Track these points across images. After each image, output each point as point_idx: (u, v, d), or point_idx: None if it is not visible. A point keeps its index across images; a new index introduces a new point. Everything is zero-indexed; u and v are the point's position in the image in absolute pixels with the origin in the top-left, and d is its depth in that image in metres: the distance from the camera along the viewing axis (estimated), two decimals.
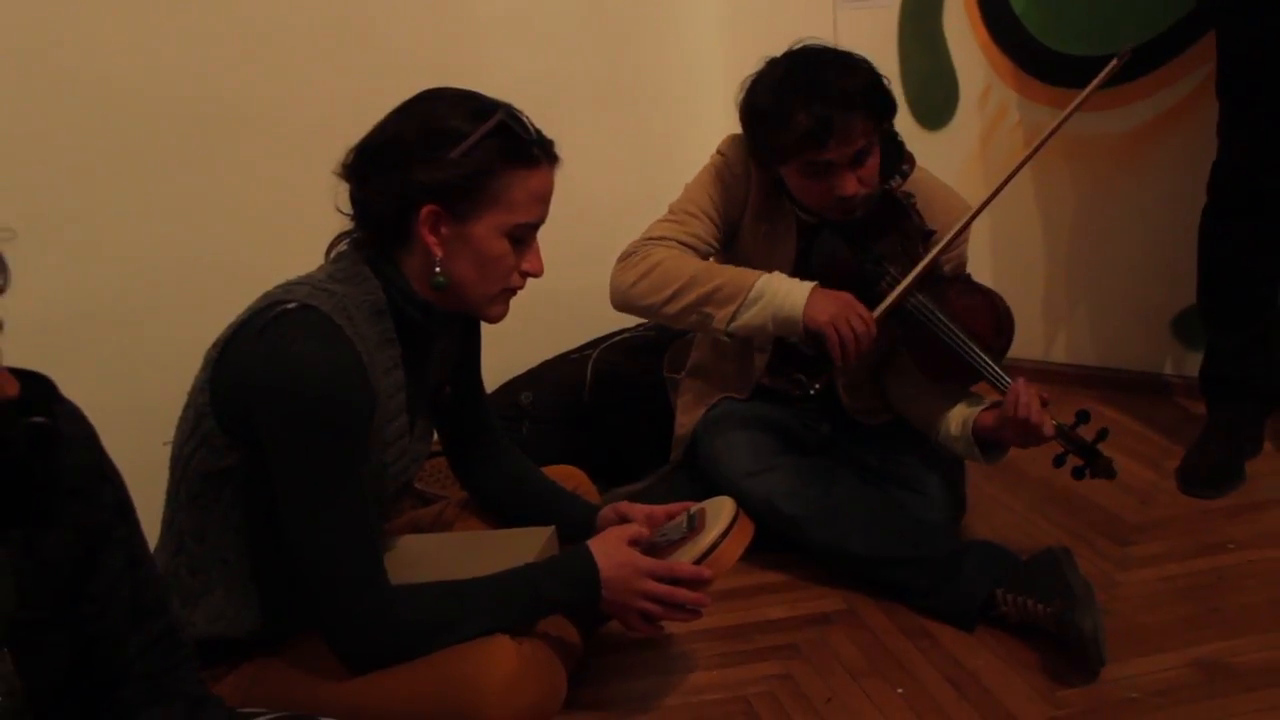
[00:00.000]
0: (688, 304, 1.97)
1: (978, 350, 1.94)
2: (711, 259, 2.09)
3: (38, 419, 0.95)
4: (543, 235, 1.52)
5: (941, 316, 1.97)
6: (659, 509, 1.75)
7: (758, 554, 1.96)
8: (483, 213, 1.42)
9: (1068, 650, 1.73)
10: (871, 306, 1.92)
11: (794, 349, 2.07)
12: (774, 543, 2.02)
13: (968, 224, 1.97)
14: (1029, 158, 1.96)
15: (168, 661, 1.12)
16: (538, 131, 1.46)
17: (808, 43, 2.01)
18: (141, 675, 1.10)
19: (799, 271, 2.02)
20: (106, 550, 1.06)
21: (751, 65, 3.20)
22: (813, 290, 1.92)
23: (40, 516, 0.99)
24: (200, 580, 1.44)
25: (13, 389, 0.91)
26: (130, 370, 2.02)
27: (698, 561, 1.59)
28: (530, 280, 1.53)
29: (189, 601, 1.44)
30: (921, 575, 1.92)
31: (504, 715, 1.37)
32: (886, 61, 3.08)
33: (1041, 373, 3.01)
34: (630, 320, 2.83)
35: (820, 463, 2.13)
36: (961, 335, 1.95)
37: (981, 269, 3.06)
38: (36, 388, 0.98)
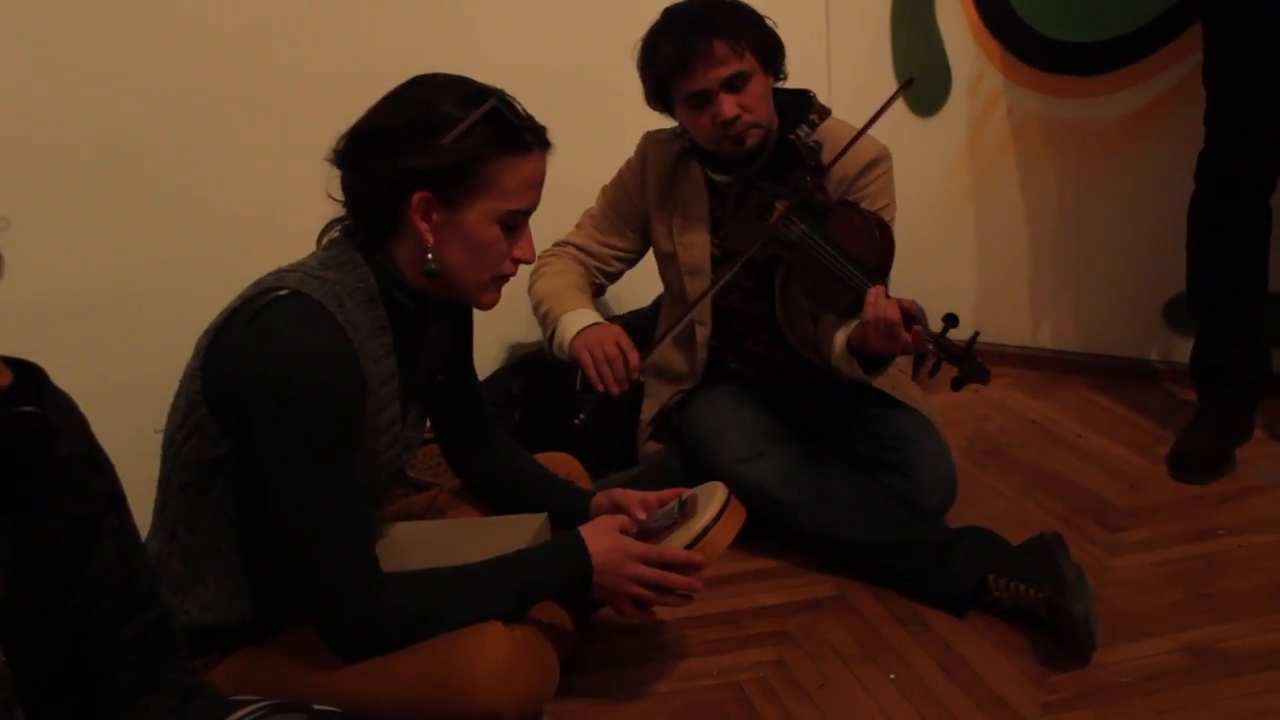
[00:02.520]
0: (539, 320, 2.19)
1: (853, 269, 1.93)
2: (606, 259, 2.28)
3: (28, 408, 0.94)
4: (535, 221, 1.51)
5: (820, 240, 1.98)
6: (651, 495, 1.75)
7: (749, 540, 1.97)
8: (475, 199, 1.41)
9: (1059, 635, 1.74)
10: (782, 246, 2.02)
11: (742, 326, 2.24)
12: (765, 529, 2.02)
13: (828, 165, 2.05)
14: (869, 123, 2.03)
15: (159, 651, 1.12)
16: (530, 118, 1.45)
17: None
18: (133, 665, 1.10)
19: (715, 232, 2.17)
20: (98, 540, 1.06)
21: None
22: (586, 327, 2.06)
23: (31, 506, 0.99)
24: (192, 569, 1.44)
25: (5, 379, 0.91)
26: (122, 358, 2.01)
27: (689, 546, 1.59)
28: (522, 267, 1.52)
29: (181, 590, 1.43)
30: (913, 561, 1.93)
31: (497, 702, 1.37)
32: (879, 48, 3.07)
33: (1030, 359, 3.01)
34: (622, 307, 2.83)
35: (811, 449, 2.14)
36: (838, 256, 1.95)
37: (969, 255, 3.08)
38: (28, 377, 0.97)
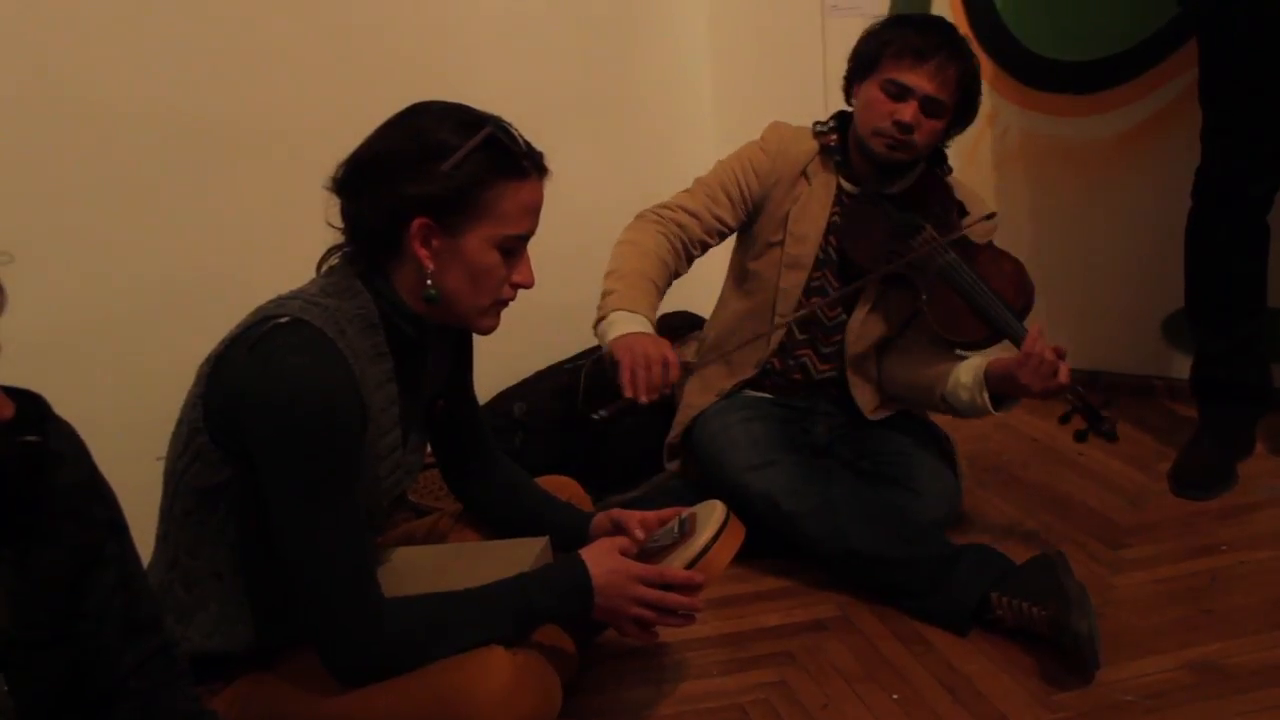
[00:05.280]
0: (605, 284, 2.12)
1: (1004, 309, 2.04)
2: (711, 231, 2.23)
3: (30, 438, 0.95)
4: (533, 246, 1.52)
5: (972, 275, 2.07)
6: (651, 515, 1.74)
7: (752, 561, 1.98)
8: (473, 225, 1.42)
9: (1062, 654, 1.74)
10: (901, 255, 2.09)
11: (810, 332, 2.24)
12: (769, 549, 2.03)
13: (989, 216, 2.15)
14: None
15: (162, 678, 1.12)
16: (527, 144, 1.46)
17: None
18: (135, 692, 1.10)
19: (828, 234, 2.20)
20: (99, 568, 1.06)
21: (739, 76, 3.22)
22: (630, 331, 1.98)
23: (33, 535, 0.99)
24: (194, 595, 1.44)
25: (8, 412, 0.91)
26: (123, 386, 2.02)
27: (689, 566, 1.59)
28: (522, 291, 1.53)
29: (183, 617, 1.44)
30: (917, 577, 1.93)
31: None
32: None
33: None
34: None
35: (818, 462, 2.15)
36: (990, 294, 2.06)
37: None
38: (29, 406, 0.97)
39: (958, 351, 2.14)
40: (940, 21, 2.16)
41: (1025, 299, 2.09)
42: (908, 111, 2.07)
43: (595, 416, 1.94)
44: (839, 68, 2.85)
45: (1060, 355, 1.92)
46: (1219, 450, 2.38)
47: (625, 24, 3.16)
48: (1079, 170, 2.84)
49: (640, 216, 2.23)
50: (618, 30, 3.14)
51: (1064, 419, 2.03)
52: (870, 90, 2.13)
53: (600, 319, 2.06)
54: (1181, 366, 2.64)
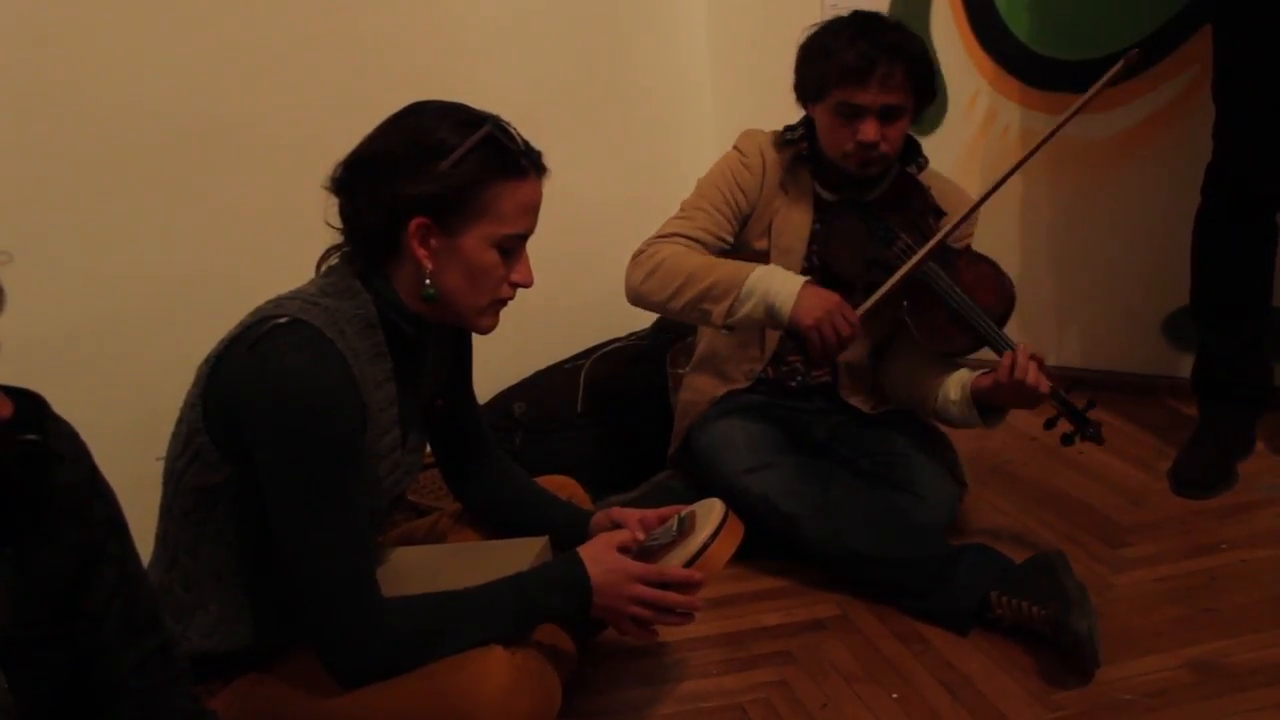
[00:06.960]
0: (688, 301, 2.05)
1: (983, 316, 2.03)
2: (716, 251, 2.14)
3: (30, 437, 0.95)
4: (532, 245, 1.52)
5: (951, 283, 2.06)
6: (650, 513, 1.74)
7: (751, 560, 1.97)
8: (472, 224, 1.42)
9: (1062, 653, 1.74)
10: (883, 272, 2.02)
11: (792, 349, 2.20)
12: (768, 549, 2.03)
13: (978, 205, 2.07)
14: (1032, 153, 2.02)
15: (162, 677, 1.12)
16: (526, 143, 1.46)
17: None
18: (135, 691, 1.10)
19: (811, 243, 2.15)
20: (99, 567, 1.06)
21: (740, 71, 3.21)
22: (803, 288, 1.98)
23: (33, 534, 0.99)
24: (194, 595, 1.44)
25: (7, 411, 0.91)
26: (123, 386, 2.02)
27: (688, 564, 1.59)
28: (521, 291, 1.53)
29: (183, 617, 1.44)
30: (917, 576, 1.93)
31: None
32: None
33: None
34: (622, 329, 2.84)
35: (817, 463, 2.14)
36: (968, 301, 2.04)
37: None
38: (29, 406, 0.98)
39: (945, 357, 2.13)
40: (870, 21, 2.07)
41: (1005, 304, 2.08)
42: (869, 130, 2.02)
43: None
44: None
45: (1039, 362, 1.92)
46: (1219, 449, 2.37)
47: (624, 22, 3.16)
48: (1079, 168, 2.83)
49: (652, 245, 2.11)
50: (617, 29, 3.14)
51: (1049, 424, 2.04)
52: (824, 115, 2.09)
53: (732, 303, 2.00)
54: (1182, 365, 2.64)
